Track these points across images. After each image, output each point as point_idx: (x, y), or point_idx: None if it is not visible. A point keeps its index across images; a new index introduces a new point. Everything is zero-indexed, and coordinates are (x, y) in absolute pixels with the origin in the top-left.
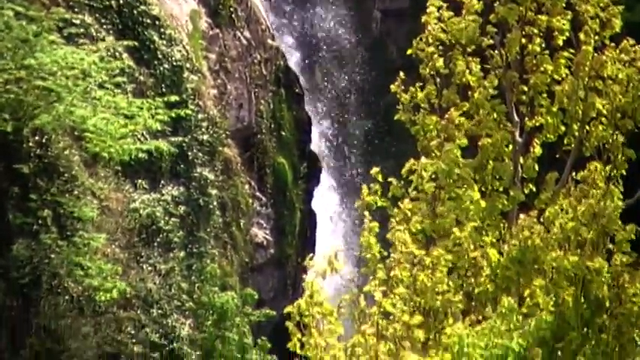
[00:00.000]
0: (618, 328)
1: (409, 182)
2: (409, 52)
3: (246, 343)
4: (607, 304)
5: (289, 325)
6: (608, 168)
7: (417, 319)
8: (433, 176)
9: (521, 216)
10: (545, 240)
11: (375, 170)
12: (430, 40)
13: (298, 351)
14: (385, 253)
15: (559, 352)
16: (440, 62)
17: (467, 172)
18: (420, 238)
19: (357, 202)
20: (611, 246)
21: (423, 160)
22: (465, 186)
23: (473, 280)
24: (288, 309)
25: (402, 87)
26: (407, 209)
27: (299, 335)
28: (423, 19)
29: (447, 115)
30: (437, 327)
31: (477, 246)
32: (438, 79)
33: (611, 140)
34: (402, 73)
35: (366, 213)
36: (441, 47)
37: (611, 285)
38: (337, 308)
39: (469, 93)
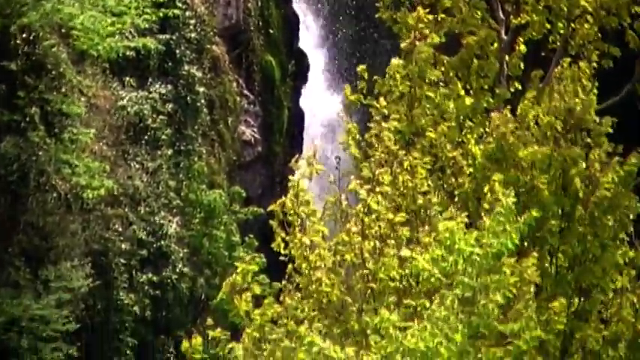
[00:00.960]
0: (591, 215)
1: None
2: None
3: (233, 241)
4: (581, 194)
5: (273, 223)
6: (584, 65)
7: (402, 216)
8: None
9: (494, 114)
10: (522, 136)
11: (361, 68)
12: None
13: (282, 250)
14: (362, 155)
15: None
16: None
17: (437, 74)
18: (398, 138)
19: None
20: (589, 140)
21: (394, 61)
22: (441, 85)
23: (453, 179)
24: (272, 207)
25: None
26: (383, 108)
27: (283, 234)
28: None
29: (416, 13)
30: (420, 226)
31: (457, 145)
32: None
33: (595, 38)
34: None
35: (343, 114)
36: None
37: (585, 175)
38: (322, 210)
39: None
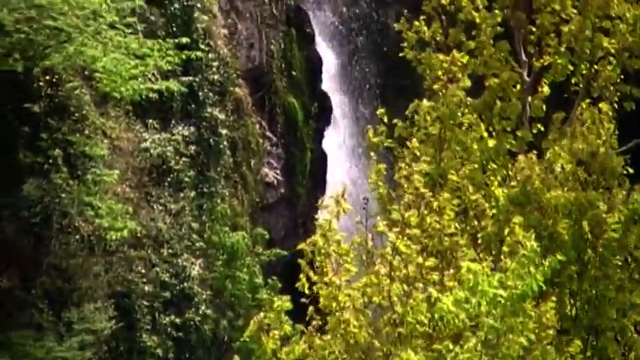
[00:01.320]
0: (601, 257)
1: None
2: None
3: (256, 283)
4: (589, 236)
5: (301, 262)
6: (606, 107)
7: (431, 260)
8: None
9: (520, 157)
10: (546, 181)
11: (380, 111)
12: None
13: (306, 290)
14: (393, 194)
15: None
16: None
17: (469, 118)
18: (426, 180)
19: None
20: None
21: (425, 102)
22: (471, 128)
23: (476, 222)
24: (301, 246)
25: (408, 26)
26: (415, 149)
27: (311, 274)
28: None
29: (450, 55)
30: (446, 269)
31: (480, 187)
32: (443, 17)
33: (617, 80)
34: (405, 12)
35: (372, 154)
36: None
37: (594, 218)
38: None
39: (474, 32)
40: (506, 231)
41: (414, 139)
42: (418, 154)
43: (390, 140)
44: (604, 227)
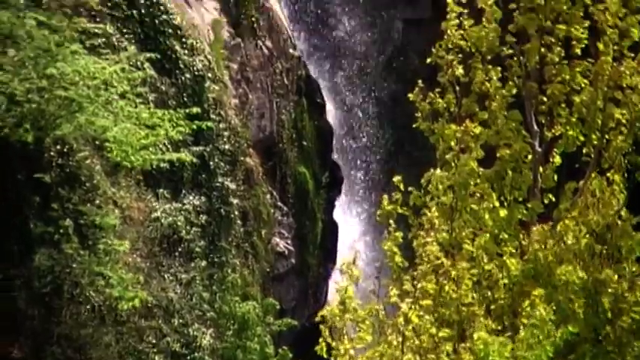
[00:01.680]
0: (619, 339)
1: (429, 192)
2: (429, 60)
3: (267, 353)
4: (609, 314)
5: (323, 329)
6: (618, 177)
7: (445, 331)
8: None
9: (534, 228)
10: (558, 254)
11: (397, 179)
12: (450, 46)
13: (325, 355)
14: (407, 264)
15: None
16: (459, 70)
17: (482, 187)
18: (441, 249)
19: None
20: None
21: (438, 172)
22: (482, 198)
23: (489, 292)
24: (322, 312)
25: (421, 96)
26: (435, 218)
27: (330, 339)
28: (443, 25)
29: (463, 126)
30: (459, 340)
31: (493, 257)
32: (457, 88)
33: (629, 150)
34: (420, 82)
35: (391, 222)
36: (460, 55)
37: (615, 296)
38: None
39: (487, 102)
40: (526, 303)
41: (433, 208)
42: (437, 223)
43: (404, 208)
44: (624, 306)
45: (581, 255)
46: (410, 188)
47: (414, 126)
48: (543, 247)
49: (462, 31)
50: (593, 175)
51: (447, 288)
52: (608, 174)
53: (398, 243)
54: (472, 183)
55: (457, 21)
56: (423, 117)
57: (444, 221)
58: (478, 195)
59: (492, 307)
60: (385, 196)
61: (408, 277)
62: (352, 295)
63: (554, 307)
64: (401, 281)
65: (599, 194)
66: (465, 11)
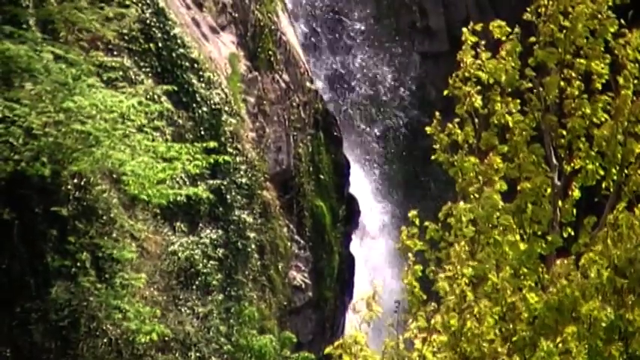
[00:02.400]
0: None
1: (446, 225)
2: (446, 92)
3: None
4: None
5: None
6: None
7: None
8: (472, 220)
9: (557, 262)
10: (583, 288)
11: (412, 213)
12: (467, 75)
13: None
14: (424, 297)
15: None
16: (478, 101)
17: (506, 219)
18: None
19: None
20: None
21: (462, 204)
22: (505, 231)
23: (511, 325)
24: (328, 350)
25: (439, 128)
26: (462, 252)
27: None
28: (458, 56)
29: (486, 159)
30: None
31: (516, 290)
32: (475, 120)
33: None
34: (437, 114)
35: (410, 255)
36: (478, 87)
37: None
38: (382, 354)
39: (507, 135)
40: (558, 340)
41: (462, 242)
42: (464, 257)
43: (421, 243)
44: None
45: (602, 289)
46: (426, 222)
47: (432, 158)
48: (568, 281)
49: (478, 62)
50: (619, 207)
51: (469, 324)
52: (635, 209)
53: (417, 277)
54: (495, 216)
55: (473, 52)
56: (441, 149)
57: (465, 255)
58: (501, 228)
59: (514, 338)
60: (404, 229)
61: (422, 313)
62: (362, 341)
63: (587, 346)
64: (417, 317)
65: (625, 230)
66: (482, 42)
